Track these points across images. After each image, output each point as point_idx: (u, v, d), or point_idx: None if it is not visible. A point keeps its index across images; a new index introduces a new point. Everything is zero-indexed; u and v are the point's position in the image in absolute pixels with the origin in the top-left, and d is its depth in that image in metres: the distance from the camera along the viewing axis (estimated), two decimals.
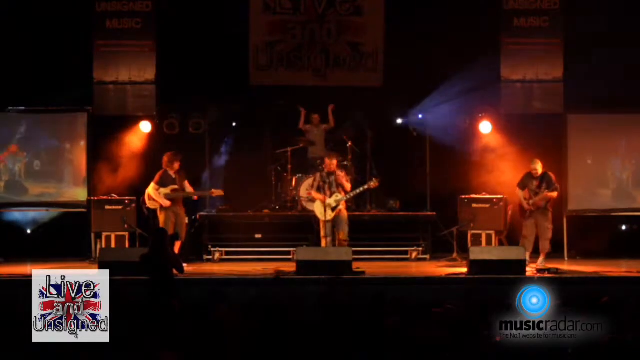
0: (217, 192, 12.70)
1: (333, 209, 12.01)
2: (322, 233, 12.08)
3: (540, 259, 12.02)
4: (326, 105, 14.33)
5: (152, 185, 12.34)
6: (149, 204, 12.46)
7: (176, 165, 12.43)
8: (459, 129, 14.16)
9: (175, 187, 12.38)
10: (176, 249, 12.47)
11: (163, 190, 12.31)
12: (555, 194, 12.20)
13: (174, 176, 12.44)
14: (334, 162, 12.24)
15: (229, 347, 5.55)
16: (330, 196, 12.02)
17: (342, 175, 12.28)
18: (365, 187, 12.38)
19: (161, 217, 12.31)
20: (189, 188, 12.52)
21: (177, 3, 14.09)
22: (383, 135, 14.43)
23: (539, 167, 12.22)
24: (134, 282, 9.59)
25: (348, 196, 12.15)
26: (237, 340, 5.66)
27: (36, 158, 13.97)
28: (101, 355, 5.74)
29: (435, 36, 13.66)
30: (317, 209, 12.16)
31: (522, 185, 12.34)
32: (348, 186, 12.21)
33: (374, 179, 12.52)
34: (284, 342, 5.58)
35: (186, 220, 12.67)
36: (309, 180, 13.40)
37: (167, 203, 12.23)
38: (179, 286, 10.23)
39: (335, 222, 12.03)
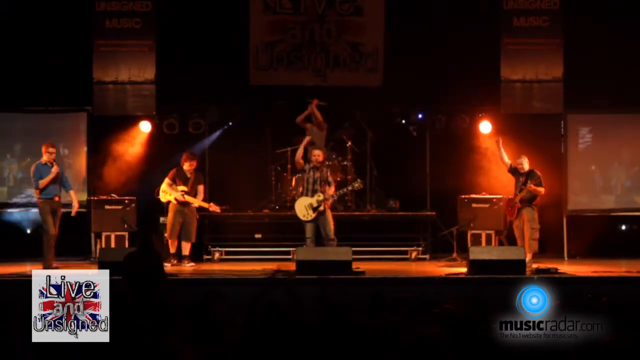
0: (215, 208, 12.69)
1: (314, 209, 11.72)
2: (306, 234, 11.79)
3: (528, 257, 11.94)
4: (326, 105, 14.28)
5: (166, 180, 12.63)
6: (161, 196, 12.70)
7: (186, 166, 12.60)
8: (459, 128, 14.17)
9: (185, 188, 12.54)
10: (187, 251, 12.58)
11: (175, 188, 12.62)
12: (541, 189, 12.12)
13: (188, 176, 12.66)
14: (320, 156, 11.88)
15: (229, 348, 5.55)
16: (313, 195, 11.75)
17: (325, 173, 11.88)
18: (350, 188, 12.24)
19: (169, 214, 12.56)
20: (200, 193, 12.70)
21: (177, 3, 14.10)
22: (383, 135, 14.42)
23: (524, 163, 12.21)
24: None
25: (332, 198, 11.84)
26: (236, 340, 5.66)
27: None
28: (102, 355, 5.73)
29: (435, 36, 13.66)
30: (297, 208, 11.82)
31: (512, 170, 12.32)
32: (331, 188, 11.84)
33: (358, 180, 12.42)
34: (283, 343, 5.58)
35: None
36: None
37: (179, 195, 12.50)
38: (179, 286, 10.27)
39: (319, 223, 11.75)
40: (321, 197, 11.70)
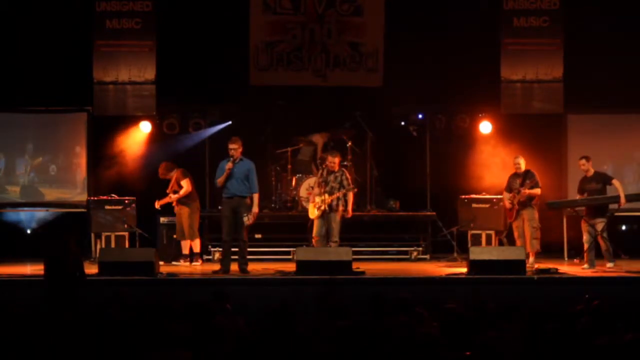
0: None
1: (318, 208, 11.84)
2: (313, 232, 11.92)
3: (530, 259, 11.90)
4: (326, 105, 14.31)
5: None
6: None
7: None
8: (459, 128, 14.17)
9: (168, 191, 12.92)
10: (185, 250, 12.70)
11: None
12: (537, 191, 12.14)
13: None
14: (335, 161, 11.95)
15: (230, 348, 5.55)
16: (321, 195, 11.81)
17: (340, 177, 11.94)
18: (343, 191, 11.98)
19: None
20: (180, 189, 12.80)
21: (177, 3, 14.09)
22: (383, 135, 14.43)
23: (522, 163, 12.23)
24: (134, 282, 9.61)
25: (329, 197, 11.78)
26: (237, 340, 5.66)
27: (52, 162, 14.00)
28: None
29: (435, 36, 13.65)
30: (309, 206, 12.15)
31: (508, 188, 12.36)
32: (349, 191, 11.86)
33: (352, 187, 12.13)
34: (284, 343, 5.58)
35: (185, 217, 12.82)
36: (309, 180, 13.45)
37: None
38: (178, 286, 10.25)
39: (325, 223, 11.80)
40: (325, 197, 11.76)
